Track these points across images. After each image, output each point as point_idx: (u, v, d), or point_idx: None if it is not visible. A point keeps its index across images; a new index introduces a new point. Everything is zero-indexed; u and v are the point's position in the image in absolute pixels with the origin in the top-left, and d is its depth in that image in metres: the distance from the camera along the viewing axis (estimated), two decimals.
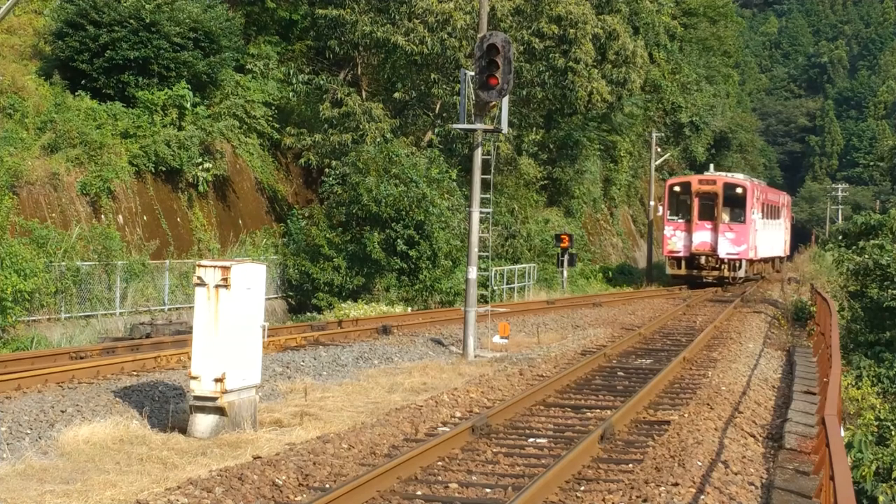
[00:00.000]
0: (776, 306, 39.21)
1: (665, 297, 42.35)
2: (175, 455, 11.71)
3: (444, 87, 39.93)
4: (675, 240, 45.98)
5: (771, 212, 54.04)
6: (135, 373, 16.70)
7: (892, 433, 24.91)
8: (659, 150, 64.09)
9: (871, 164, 73.13)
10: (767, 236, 52.79)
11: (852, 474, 17.19)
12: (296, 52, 44.53)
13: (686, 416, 14.43)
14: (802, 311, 35.44)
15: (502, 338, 23.11)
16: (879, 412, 25.91)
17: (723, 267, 45.83)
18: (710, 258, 45.67)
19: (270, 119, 38.90)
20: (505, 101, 20.94)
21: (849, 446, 19.45)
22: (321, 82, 40.44)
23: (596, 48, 42.70)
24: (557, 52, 41.36)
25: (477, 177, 21.46)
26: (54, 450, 11.80)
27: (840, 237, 43.40)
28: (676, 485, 10.43)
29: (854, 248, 37.53)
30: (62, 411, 13.28)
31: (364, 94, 42.55)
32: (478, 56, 20.37)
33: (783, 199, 62.13)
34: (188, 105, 33.78)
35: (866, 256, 35.03)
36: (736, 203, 46.06)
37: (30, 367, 16.91)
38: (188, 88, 33.74)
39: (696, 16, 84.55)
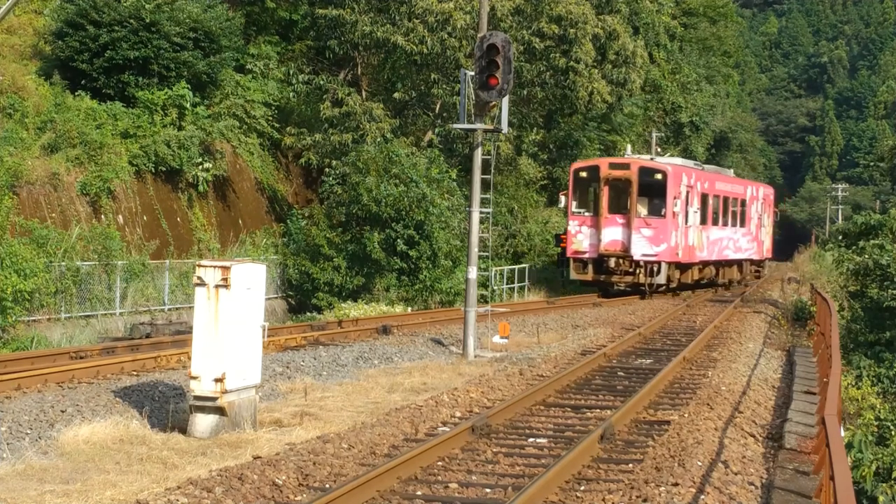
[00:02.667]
0: (776, 306, 39.22)
1: (664, 296, 42.34)
2: (175, 455, 11.71)
3: (444, 87, 39.94)
4: (580, 238, 37.01)
5: (729, 205, 44.74)
6: (135, 373, 16.69)
7: (892, 433, 24.93)
8: (659, 149, 64.08)
9: (871, 164, 73.22)
10: (723, 235, 43.75)
11: (852, 474, 17.20)
12: (296, 52, 44.54)
13: (686, 415, 14.43)
14: (802, 311, 35.44)
15: (502, 338, 23.11)
16: (879, 412, 25.93)
17: (638, 271, 36.82)
18: (621, 260, 36.83)
19: (270, 119, 38.91)
20: (505, 101, 20.94)
21: (849, 446, 19.47)
22: (321, 82, 40.44)
23: (596, 48, 42.70)
24: (557, 52, 41.37)
25: (477, 177, 21.46)
26: (54, 450, 11.80)
27: (840, 237, 43.44)
28: (676, 485, 10.43)
29: (854, 248, 37.57)
30: (62, 411, 13.27)
31: (364, 94, 42.55)
32: (478, 56, 20.37)
33: (757, 191, 51.00)
34: (188, 105, 33.79)
35: (866, 256, 35.06)
36: (655, 192, 36.93)
37: (30, 367, 16.91)
38: (188, 88, 33.75)
39: (696, 16, 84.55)
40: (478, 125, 21.38)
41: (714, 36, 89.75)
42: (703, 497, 10.04)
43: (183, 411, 13.54)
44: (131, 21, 32.72)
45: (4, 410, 13.08)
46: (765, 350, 23.80)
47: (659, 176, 36.70)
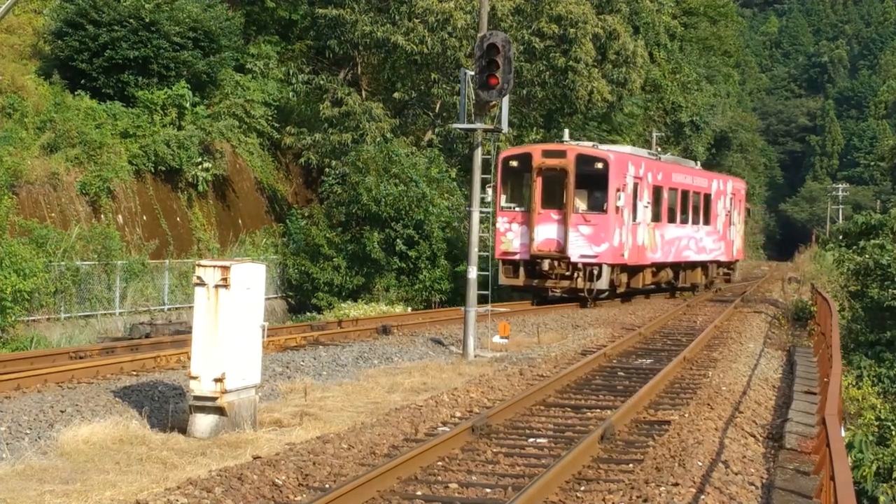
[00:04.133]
0: (776, 306, 39.21)
1: (664, 296, 42.32)
2: (175, 455, 11.70)
3: (444, 86, 39.94)
4: (510, 236, 31.97)
5: (689, 200, 39.86)
6: (134, 373, 16.68)
7: (893, 433, 24.92)
8: (659, 149, 64.09)
9: (872, 163, 73.36)
10: (682, 234, 38.90)
11: (853, 474, 17.18)
12: (296, 52, 44.53)
13: (686, 415, 14.41)
14: (803, 311, 35.43)
15: (502, 338, 23.09)
16: (880, 412, 25.93)
17: (576, 275, 31.79)
18: (557, 262, 31.73)
19: (270, 119, 38.91)
20: (505, 101, 20.93)
21: (849, 446, 19.46)
22: (321, 82, 40.45)
23: (596, 48, 42.69)
24: (557, 52, 41.36)
25: (477, 177, 21.44)
26: (54, 450, 11.78)
27: (840, 237, 43.39)
28: (677, 485, 10.41)
29: (854, 247, 37.55)
30: (62, 411, 13.26)
31: (364, 93, 42.55)
32: (478, 56, 20.35)
33: (725, 184, 45.39)
34: (188, 105, 33.79)
35: (867, 256, 35.05)
36: (595, 184, 32.05)
37: (29, 367, 16.89)
38: (188, 88, 33.74)
39: (696, 15, 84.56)
40: (478, 125, 21.37)
41: (714, 36, 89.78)
42: (703, 497, 10.03)
43: (183, 411, 13.53)
44: (131, 21, 32.71)
45: (4, 410, 13.07)
46: (765, 350, 23.78)
47: (599, 165, 31.72)
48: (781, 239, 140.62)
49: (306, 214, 37.85)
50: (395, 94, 41.16)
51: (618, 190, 31.86)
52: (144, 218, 32.13)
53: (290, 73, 41.37)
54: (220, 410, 12.82)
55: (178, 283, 30.28)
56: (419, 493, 10.35)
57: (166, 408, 13.86)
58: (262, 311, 13.62)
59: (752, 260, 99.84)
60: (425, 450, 11.40)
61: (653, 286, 37.97)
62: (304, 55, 44.48)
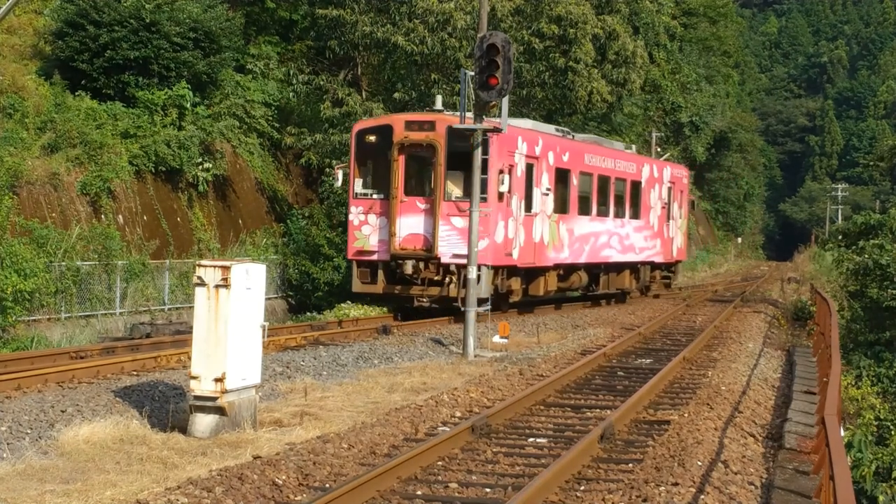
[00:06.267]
0: (776, 306, 39.23)
1: (664, 296, 42.34)
2: (175, 455, 11.72)
3: (444, 87, 39.94)
4: (366, 231, 26.00)
5: (611, 188, 33.57)
6: (135, 373, 16.70)
7: (892, 433, 24.96)
8: (659, 149, 64.12)
9: (871, 163, 73.22)
10: (600, 229, 32.63)
11: (852, 474, 17.22)
12: (296, 52, 44.55)
13: (686, 415, 14.44)
14: (802, 311, 35.47)
15: (502, 337, 23.12)
16: (879, 412, 25.96)
17: (448, 280, 25.41)
18: (424, 264, 25.49)
19: (270, 119, 38.93)
20: (505, 101, 20.95)
21: (848, 446, 19.49)
22: (321, 82, 40.47)
23: (596, 48, 42.69)
24: (557, 52, 41.37)
25: (477, 177, 21.47)
26: (54, 449, 11.80)
27: (840, 237, 43.43)
28: (676, 484, 10.43)
29: (854, 247, 37.59)
30: (62, 411, 13.28)
31: (364, 94, 42.57)
32: (478, 56, 20.38)
33: (660, 171, 38.51)
34: (188, 105, 33.81)
35: (866, 256, 35.09)
36: (472, 164, 23.06)
37: (30, 366, 16.92)
38: (188, 88, 33.76)
39: (696, 16, 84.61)
40: (478, 125, 21.40)
41: (714, 36, 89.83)
42: (702, 497, 10.05)
43: (183, 411, 13.55)
44: (131, 21, 32.73)
45: (5, 410, 13.09)
46: (765, 350, 23.81)
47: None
48: (781, 239, 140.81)
49: (306, 214, 37.86)
50: (396, 95, 41.17)
51: (501, 172, 25.29)
52: (145, 218, 32.15)
53: (291, 73, 41.39)
54: (220, 410, 12.85)
55: (179, 283, 30.30)
56: (419, 492, 10.37)
57: (167, 407, 13.88)
58: (263, 311, 13.64)
59: (751, 260, 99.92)
60: (425, 449, 11.42)
61: (562, 291, 31.94)
62: (304, 55, 44.51)
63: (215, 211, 35.88)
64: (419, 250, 25.47)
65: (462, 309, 23.54)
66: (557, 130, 30.41)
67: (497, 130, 21.76)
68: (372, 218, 26.03)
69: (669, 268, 41.00)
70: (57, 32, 33.61)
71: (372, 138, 26.38)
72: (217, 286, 12.85)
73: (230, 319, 12.85)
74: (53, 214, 28.53)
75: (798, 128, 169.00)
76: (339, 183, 27.44)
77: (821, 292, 32.05)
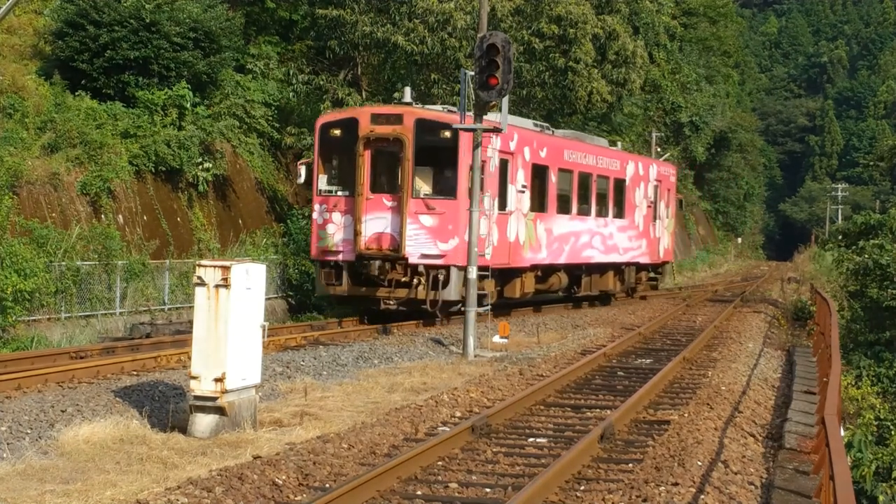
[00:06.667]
0: (776, 306, 39.24)
1: (664, 296, 42.35)
2: (175, 455, 11.72)
3: (444, 87, 39.94)
4: (330, 230, 24.90)
5: (592, 186, 32.17)
6: (135, 373, 16.71)
7: (892, 433, 24.96)
8: (659, 149, 64.11)
9: (871, 163, 73.28)
10: (581, 228, 31.34)
11: (852, 474, 17.22)
12: (296, 52, 44.54)
13: (686, 415, 14.44)
14: (802, 311, 35.48)
15: (502, 337, 23.12)
16: (879, 412, 25.96)
17: (416, 281, 24.26)
18: (391, 265, 24.33)
19: (270, 119, 38.92)
20: (505, 101, 20.96)
21: (848, 446, 19.48)
22: (321, 82, 40.46)
23: (596, 48, 42.70)
24: (557, 52, 41.38)
25: (477, 177, 21.47)
26: (54, 449, 11.81)
27: (840, 237, 43.43)
28: (676, 484, 10.43)
29: (854, 247, 37.59)
30: (62, 411, 13.28)
31: (364, 94, 42.56)
32: (478, 56, 20.39)
33: (646, 169, 37.11)
34: (188, 105, 33.79)
35: (866, 256, 35.09)
36: (442, 160, 24.61)
37: (30, 366, 16.92)
38: (188, 88, 33.75)
39: (696, 16, 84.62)
40: (478, 125, 21.40)
41: (714, 36, 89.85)
42: (702, 497, 10.05)
43: (183, 411, 13.55)
44: (131, 21, 32.72)
45: (5, 410, 13.09)
46: (765, 350, 23.82)
47: (447, 134, 23.87)
48: (781, 239, 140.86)
49: (307, 214, 37.84)
50: (396, 95, 41.13)
51: (472, 167, 22.96)
52: (145, 218, 32.15)
53: (291, 73, 41.38)
54: (220, 410, 12.85)
55: (179, 283, 30.27)
56: (419, 492, 10.37)
57: (167, 407, 13.89)
58: (263, 311, 13.65)
59: (751, 260, 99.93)
60: (425, 449, 11.42)
61: (542, 293, 30.33)
62: (304, 55, 44.49)
63: (215, 211, 35.87)
64: (386, 250, 24.27)
65: (430, 311, 23.76)
66: (535, 125, 28.63)
67: (497, 130, 21.77)
68: (336, 216, 24.84)
69: (656, 269, 39.59)
70: (57, 32, 33.60)
71: (337, 132, 25.16)
72: (217, 286, 12.85)
73: (230, 319, 12.86)
74: (53, 214, 28.52)
75: (798, 128, 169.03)
76: (302, 180, 26.00)
77: (821, 292, 32.06)
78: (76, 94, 32.26)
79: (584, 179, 31.54)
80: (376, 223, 24.38)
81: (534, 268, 28.18)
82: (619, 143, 38.89)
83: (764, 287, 53.18)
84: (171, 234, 32.89)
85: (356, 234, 24.27)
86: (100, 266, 27.90)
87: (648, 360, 21.01)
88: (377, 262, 24.25)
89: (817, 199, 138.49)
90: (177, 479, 10.44)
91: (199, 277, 12.95)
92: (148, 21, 32.94)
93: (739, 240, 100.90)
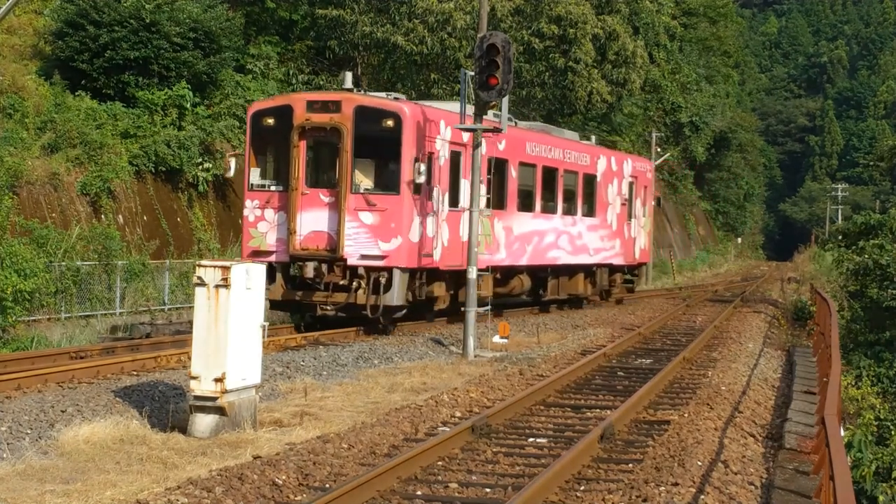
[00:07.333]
0: (776, 306, 39.25)
1: (664, 296, 42.36)
2: (175, 455, 11.72)
3: (444, 87, 39.96)
4: (262, 228, 22.65)
5: (559, 181, 29.77)
6: (135, 373, 16.71)
7: (892, 433, 24.95)
8: (659, 150, 64.12)
9: (871, 164, 73.36)
10: (546, 227, 28.99)
11: (852, 474, 17.21)
12: (296, 52, 44.56)
13: (686, 415, 14.45)
14: (802, 311, 35.49)
15: (502, 338, 23.12)
16: (879, 412, 25.95)
17: (355, 285, 21.93)
18: (328, 267, 22.07)
19: None
20: (505, 101, 20.96)
21: (848, 446, 19.47)
22: (321, 82, 40.48)
23: (596, 48, 42.72)
24: (557, 52, 41.40)
25: (477, 177, 21.47)
26: (54, 450, 11.81)
27: (840, 237, 43.44)
28: (676, 484, 10.43)
29: (854, 248, 37.60)
30: (62, 411, 13.28)
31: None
32: (478, 56, 20.38)
33: (619, 164, 34.59)
34: (188, 105, 33.82)
35: (866, 256, 35.10)
36: (384, 151, 22.41)
37: (30, 367, 16.92)
38: (188, 88, 33.78)
39: (696, 16, 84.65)
40: (478, 125, 21.40)
41: (714, 36, 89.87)
42: (702, 497, 10.05)
43: (183, 411, 13.55)
44: (131, 21, 32.74)
45: (5, 410, 13.09)
46: (765, 350, 23.82)
47: (390, 122, 21.96)
48: (781, 239, 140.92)
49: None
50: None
51: (418, 160, 21.88)
52: (145, 218, 32.16)
53: (291, 73, 41.39)
54: (220, 410, 12.85)
55: (179, 283, 30.28)
56: (419, 492, 10.37)
57: (167, 408, 13.88)
58: (263, 311, 13.65)
59: (751, 260, 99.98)
60: (425, 449, 11.42)
61: (500, 299, 27.63)
62: (304, 55, 44.52)
63: (215, 211, 35.88)
64: (322, 250, 21.93)
65: (371, 317, 21.81)
66: (495, 116, 24.20)
67: (497, 130, 21.76)
68: (269, 213, 22.56)
69: (632, 270, 37.03)
70: (57, 32, 33.61)
71: (270, 121, 22.84)
72: (217, 286, 12.85)
73: (230, 319, 12.86)
74: (53, 214, 28.53)
75: (798, 128, 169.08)
76: (231, 173, 23.91)
77: (821, 292, 32.07)
78: (76, 94, 32.27)
79: (550, 175, 29.30)
80: (312, 221, 22.14)
81: (492, 270, 25.57)
82: (592, 138, 36.67)
83: (764, 287, 53.20)
84: (171, 235, 32.90)
85: (290, 232, 22.04)
86: (100, 266, 27.90)
87: (648, 360, 21.01)
88: (313, 264, 22.04)
89: (817, 199, 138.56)
90: (177, 479, 10.44)
91: (199, 277, 12.95)
92: (148, 21, 32.95)
93: (739, 240, 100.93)
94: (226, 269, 12.89)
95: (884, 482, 21.72)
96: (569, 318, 29.57)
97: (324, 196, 22.14)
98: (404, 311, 22.45)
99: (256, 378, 13.51)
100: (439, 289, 23.78)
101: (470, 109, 21.51)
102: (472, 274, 21.49)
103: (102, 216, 30.25)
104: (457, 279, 24.28)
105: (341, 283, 21.95)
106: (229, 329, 12.85)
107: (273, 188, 22.69)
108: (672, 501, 9.88)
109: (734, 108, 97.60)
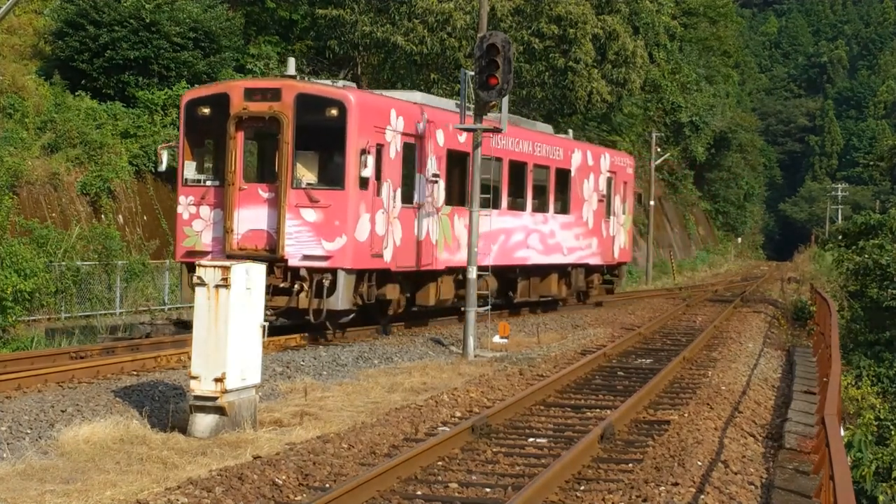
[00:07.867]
0: (776, 306, 39.25)
1: (664, 296, 42.37)
2: (175, 455, 11.72)
3: (444, 87, 39.96)
4: (197, 226, 20.98)
5: (528, 176, 27.89)
6: (135, 373, 16.71)
7: (892, 433, 24.96)
8: (659, 149, 64.12)
9: (871, 163, 73.36)
10: (514, 225, 27.18)
11: (852, 474, 17.22)
12: (296, 53, 44.54)
13: (686, 415, 14.44)
14: (802, 311, 35.49)
15: (502, 337, 23.12)
16: (879, 412, 25.96)
17: (297, 287, 20.20)
18: (268, 268, 16.71)
19: None
20: (505, 101, 20.95)
21: (848, 446, 19.47)
22: None
23: (596, 48, 42.73)
24: (557, 52, 41.40)
25: (477, 177, 21.47)
26: (54, 449, 11.80)
27: (840, 237, 43.44)
28: (676, 484, 10.43)
29: (854, 247, 37.61)
30: (62, 411, 13.28)
31: None
32: (478, 56, 20.37)
33: (597, 159, 32.60)
34: None
35: (866, 256, 35.10)
36: (328, 143, 20.78)
37: (30, 367, 16.91)
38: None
39: (696, 16, 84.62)
40: (478, 125, 21.39)
41: (714, 36, 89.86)
42: (702, 497, 10.05)
43: (183, 411, 13.55)
44: (131, 21, 32.75)
45: (5, 410, 13.09)
46: (765, 350, 23.82)
47: (334, 111, 20.30)
48: (781, 239, 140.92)
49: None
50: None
51: (365, 152, 20.24)
52: (145, 218, 32.16)
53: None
54: (220, 410, 12.85)
55: (179, 283, 30.30)
56: (419, 492, 10.37)
57: (167, 407, 13.88)
58: (263, 311, 13.65)
59: (751, 260, 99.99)
60: (425, 449, 11.42)
61: (462, 301, 23.02)
62: (304, 55, 44.51)
63: None
64: (261, 251, 20.13)
65: (314, 322, 20.30)
66: (457, 105, 23.16)
67: (497, 130, 21.75)
68: (205, 210, 20.81)
69: (612, 271, 34.91)
70: (57, 32, 33.63)
71: (206, 111, 20.99)
72: (217, 286, 12.85)
73: (230, 319, 12.86)
74: (53, 214, 28.54)
75: (798, 128, 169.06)
76: (163, 167, 22.03)
77: (821, 292, 32.07)
78: (76, 94, 32.29)
79: (518, 169, 27.36)
80: (250, 219, 20.42)
81: (452, 271, 23.95)
82: (570, 132, 34.75)
83: (764, 287, 53.20)
84: (171, 235, 32.92)
85: (226, 231, 20.33)
86: (100, 266, 27.90)
87: (648, 360, 21.01)
88: None
89: (817, 199, 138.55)
90: (177, 479, 10.44)
91: (199, 277, 12.95)
92: (148, 21, 32.97)
93: (739, 240, 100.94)
94: (226, 269, 12.90)
95: (884, 482, 21.73)
96: (569, 318, 29.58)
97: (263, 192, 20.44)
98: (351, 316, 21.05)
99: (256, 378, 13.51)
100: (392, 291, 22.11)
101: (426, 98, 20.94)
102: (472, 274, 21.50)
103: (102, 216, 30.25)
104: (413, 281, 23.03)
105: (282, 285, 20.17)
106: (229, 329, 12.84)
107: (209, 183, 20.94)
108: (672, 501, 9.88)
109: (734, 108, 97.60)
